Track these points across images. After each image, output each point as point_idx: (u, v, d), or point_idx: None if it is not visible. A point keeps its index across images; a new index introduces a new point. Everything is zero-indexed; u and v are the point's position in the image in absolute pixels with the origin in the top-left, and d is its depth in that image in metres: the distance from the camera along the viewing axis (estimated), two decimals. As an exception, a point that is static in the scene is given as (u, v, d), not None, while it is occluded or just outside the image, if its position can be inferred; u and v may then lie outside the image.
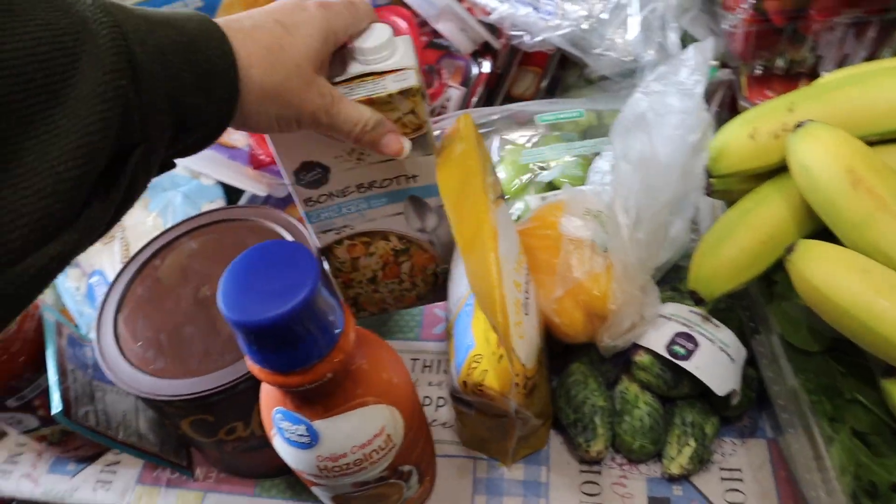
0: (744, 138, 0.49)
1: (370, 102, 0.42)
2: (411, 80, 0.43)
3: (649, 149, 0.47)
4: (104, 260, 0.66)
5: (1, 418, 0.57)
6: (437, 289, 0.61)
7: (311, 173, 0.48)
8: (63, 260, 0.29)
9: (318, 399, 0.41)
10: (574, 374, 0.57)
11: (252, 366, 0.39)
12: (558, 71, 0.79)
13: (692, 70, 0.44)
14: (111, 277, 0.66)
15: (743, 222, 0.49)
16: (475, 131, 0.50)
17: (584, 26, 0.59)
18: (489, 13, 0.64)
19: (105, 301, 0.55)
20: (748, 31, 0.59)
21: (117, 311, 0.54)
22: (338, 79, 0.43)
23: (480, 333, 0.51)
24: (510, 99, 0.79)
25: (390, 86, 0.43)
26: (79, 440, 0.62)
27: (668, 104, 0.45)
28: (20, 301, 0.29)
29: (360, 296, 0.60)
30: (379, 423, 0.43)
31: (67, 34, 0.28)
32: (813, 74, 0.62)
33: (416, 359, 0.65)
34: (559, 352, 0.60)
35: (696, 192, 0.51)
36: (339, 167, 0.48)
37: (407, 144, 0.45)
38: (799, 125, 0.45)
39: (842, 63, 0.62)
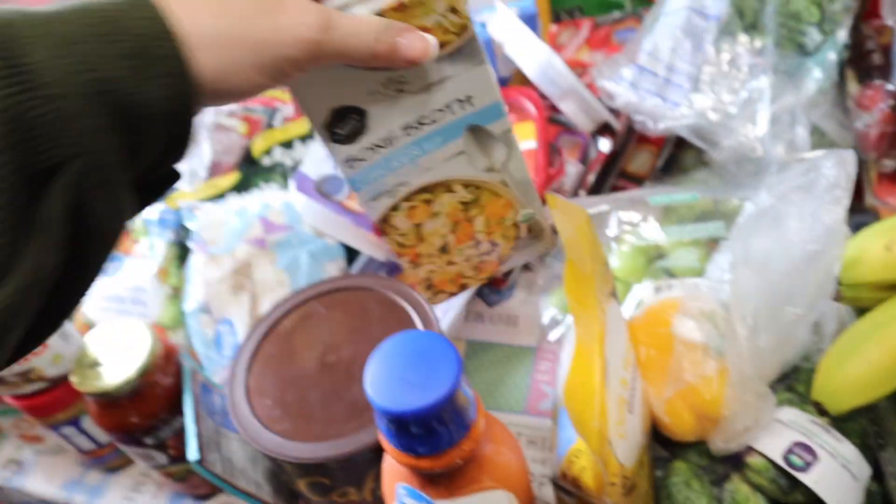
0: (879, 249, 0.48)
1: (401, 7, 0.36)
2: None
3: (781, 257, 0.47)
4: (233, 310, 0.71)
5: (138, 453, 0.62)
6: (522, 243, 0.51)
7: (346, 123, 0.41)
8: (12, 313, 0.25)
9: (442, 481, 0.43)
10: (676, 474, 0.57)
11: (387, 445, 0.41)
12: (675, 151, 0.80)
13: (833, 184, 0.44)
14: (238, 328, 0.71)
15: (874, 337, 0.48)
16: (590, 225, 0.50)
17: (713, 118, 0.60)
18: (613, 98, 0.66)
19: (238, 356, 0.59)
20: (883, 132, 0.58)
21: (248, 367, 0.58)
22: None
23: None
24: (624, 176, 0.81)
25: None
26: (198, 479, 0.66)
27: (807, 214, 0.45)
28: None
29: (434, 274, 0.51)
30: (496, 509, 0.45)
31: None
32: (949, 178, 0.61)
33: (520, 433, 0.66)
34: (664, 440, 0.59)
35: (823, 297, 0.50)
36: (376, 107, 0.40)
37: (431, 38, 0.37)
38: (943, 244, 0.44)
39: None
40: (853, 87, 0.61)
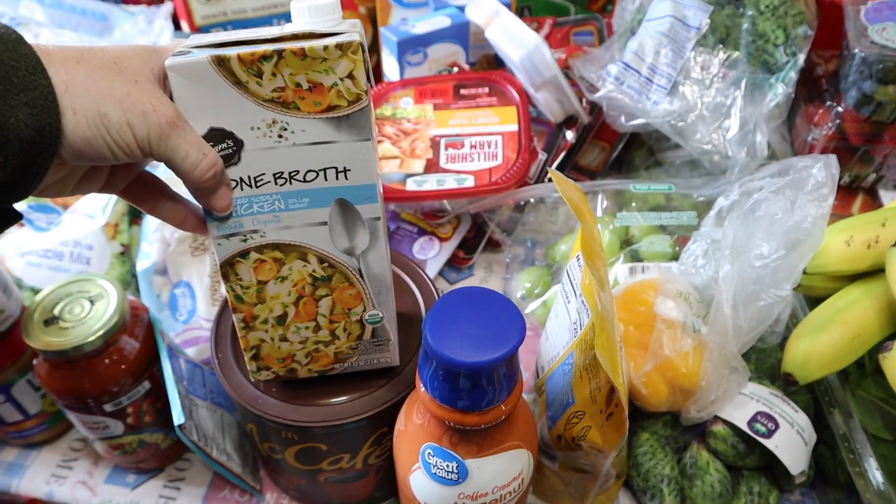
0: (840, 244, 0.55)
1: (302, 55, 0.36)
2: (353, 36, 0.37)
3: (765, 243, 0.53)
4: (192, 272, 0.66)
5: (89, 421, 0.56)
6: (364, 347, 0.50)
7: (220, 147, 0.39)
8: None
9: (476, 439, 0.44)
10: (643, 445, 0.61)
11: (431, 402, 0.41)
12: (623, 150, 0.85)
13: (821, 183, 0.50)
14: (198, 290, 0.66)
15: (836, 318, 0.54)
16: (586, 201, 0.54)
17: (690, 120, 0.65)
18: (595, 91, 0.69)
19: (219, 319, 0.56)
20: (826, 146, 0.66)
21: (234, 331, 0.55)
22: (269, 35, 0.37)
23: (584, 392, 0.55)
24: (576, 168, 0.85)
25: (327, 40, 0.37)
26: (144, 453, 0.61)
27: (797, 207, 0.50)
28: None
29: (264, 344, 0.48)
30: (520, 467, 0.46)
31: None
32: (871, 190, 0.70)
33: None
34: (630, 412, 0.64)
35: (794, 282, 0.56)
36: (255, 144, 0.40)
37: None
38: (900, 241, 0.51)
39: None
40: (804, 105, 0.70)
